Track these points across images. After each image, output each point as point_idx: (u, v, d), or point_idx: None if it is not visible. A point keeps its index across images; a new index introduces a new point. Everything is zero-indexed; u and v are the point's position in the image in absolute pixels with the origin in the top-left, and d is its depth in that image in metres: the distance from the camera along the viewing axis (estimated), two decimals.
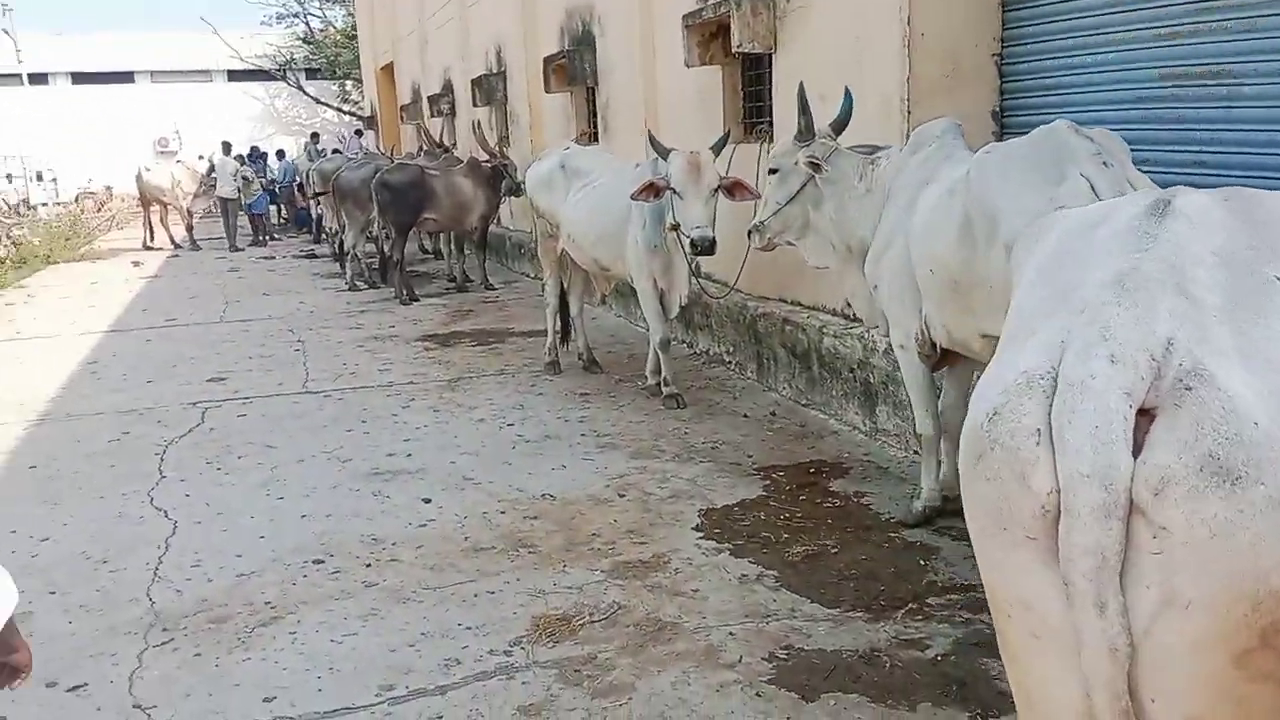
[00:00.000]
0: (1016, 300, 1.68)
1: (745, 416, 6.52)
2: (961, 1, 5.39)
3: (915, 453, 5.32)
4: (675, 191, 6.04)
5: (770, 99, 7.12)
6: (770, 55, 6.91)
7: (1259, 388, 1.26)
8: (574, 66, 10.41)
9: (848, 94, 4.88)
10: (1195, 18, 4.32)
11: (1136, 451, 1.28)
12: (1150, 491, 1.26)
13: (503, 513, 4.97)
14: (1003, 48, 5.48)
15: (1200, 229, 1.47)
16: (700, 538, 4.58)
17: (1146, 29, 4.56)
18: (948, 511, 4.57)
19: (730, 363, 7.72)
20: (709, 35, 7.50)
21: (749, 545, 4.47)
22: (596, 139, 10.52)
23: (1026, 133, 4.06)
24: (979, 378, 3.82)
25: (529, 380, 7.67)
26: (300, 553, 4.56)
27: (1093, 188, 3.20)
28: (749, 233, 5.18)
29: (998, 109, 5.57)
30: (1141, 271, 1.40)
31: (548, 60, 11.09)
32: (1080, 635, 1.32)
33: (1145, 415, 1.29)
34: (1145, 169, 3.58)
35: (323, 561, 4.47)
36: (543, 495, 5.20)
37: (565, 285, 7.85)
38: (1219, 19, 4.22)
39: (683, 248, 6.25)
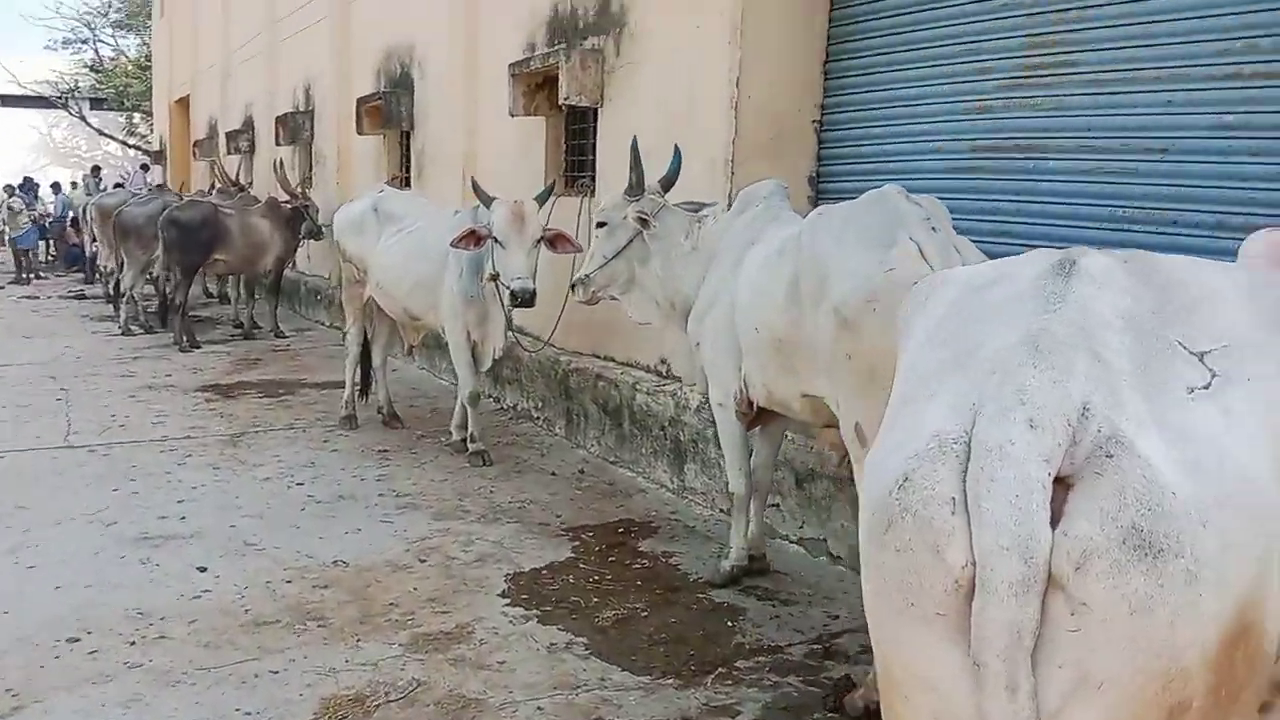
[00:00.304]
0: (908, 360, 1.58)
1: (553, 474, 6.30)
2: (787, 68, 5.46)
3: (723, 511, 5.28)
4: (497, 241, 5.84)
5: (594, 153, 7.03)
6: (596, 109, 6.83)
7: (1175, 457, 1.21)
8: (389, 109, 10.07)
9: (677, 152, 4.83)
10: (1006, 94, 4.49)
11: (1054, 522, 1.18)
12: (1071, 565, 1.18)
13: (289, 582, 4.51)
14: (823, 115, 5.58)
15: (1106, 291, 1.41)
16: (507, 604, 4.31)
17: (960, 102, 4.71)
18: (754, 571, 4.58)
19: (539, 419, 7.49)
20: (535, 85, 7.39)
21: (558, 611, 4.25)
22: (408, 184, 10.18)
23: (842, 198, 4.13)
24: (814, 437, 3.73)
25: (322, 436, 7.18)
26: (52, 629, 3.96)
27: (921, 252, 3.20)
28: (573, 286, 5.02)
29: (815, 174, 5.65)
30: (1053, 333, 1.32)
31: (361, 101, 10.71)
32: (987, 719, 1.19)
33: (1060, 483, 1.21)
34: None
35: (79, 640, 3.89)
36: (334, 562, 4.76)
37: (369, 335, 7.45)
38: (1027, 96, 4.40)
39: (501, 299, 6.01)
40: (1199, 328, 1.37)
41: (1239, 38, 3.66)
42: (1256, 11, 3.60)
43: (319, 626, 4.05)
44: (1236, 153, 3.69)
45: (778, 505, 5.01)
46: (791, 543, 5.02)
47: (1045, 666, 1.20)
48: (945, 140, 4.81)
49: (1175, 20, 3.85)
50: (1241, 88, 3.67)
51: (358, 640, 3.93)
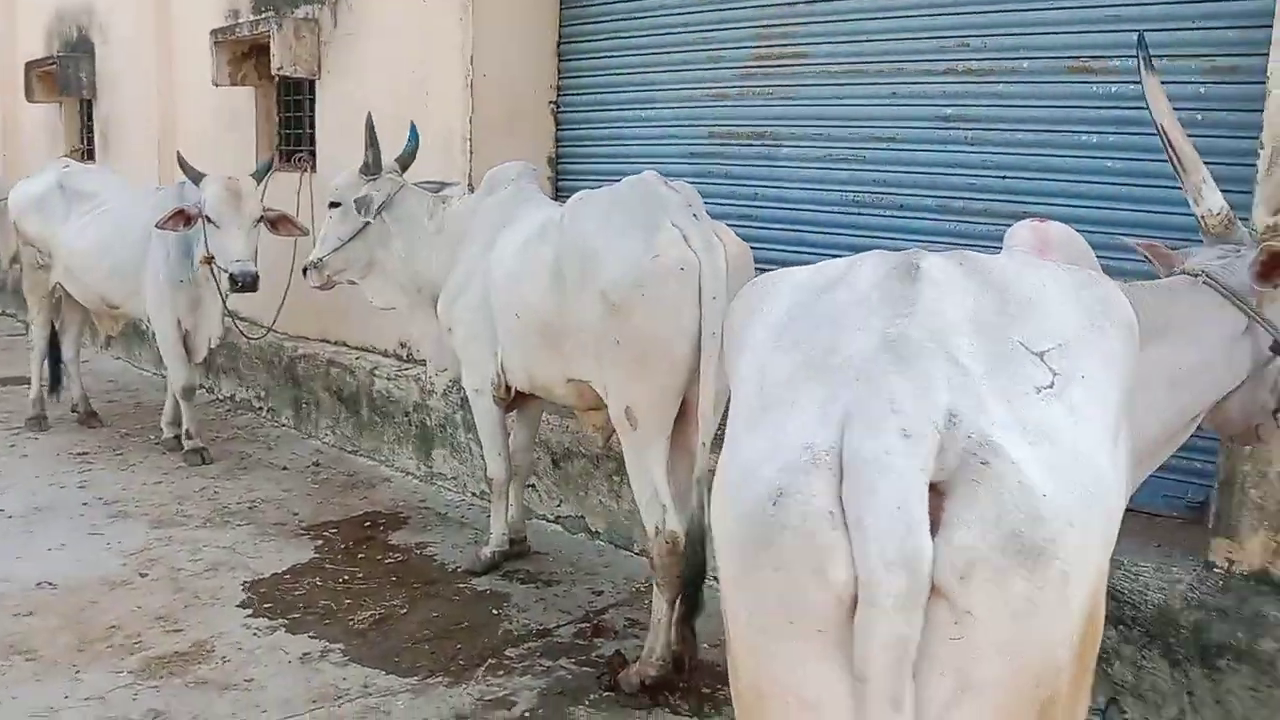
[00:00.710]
0: (753, 362, 1.52)
1: (285, 469, 5.91)
2: (520, 45, 5.36)
3: (475, 495, 5.20)
4: (210, 220, 5.34)
5: (311, 126, 6.61)
6: (313, 81, 6.42)
7: (1039, 458, 1.22)
8: (66, 75, 9.00)
9: (414, 130, 4.60)
10: (741, 82, 4.64)
11: (931, 531, 1.17)
12: (956, 575, 1.17)
13: None
14: (560, 95, 5.53)
15: (951, 294, 1.42)
16: (249, 616, 3.99)
17: (697, 89, 4.81)
18: (515, 555, 4.51)
19: (262, 409, 7.00)
20: (242, 54, 6.84)
21: (307, 617, 3.99)
22: (92, 156, 9.17)
23: (582, 181, 4.11)
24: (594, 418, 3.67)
25: (7, 440, 6.35)
26: None
27: (685, 237, 3.23)
28: (304, 270, 4.68)
29: (554, 155, 5.60)
30: (911, 338, 1.31)
31: (31, 65, 9.50)
32: None
33: (933, 492, 1.19)
34: None
35: None
36: (39, 584, 4.22)
37: (57, 325, 6.65)
38: (761, 85, 4.56)
39: (218, 283, 5.51)
40: (1036, 328, 1.41)
41: (953, 36, 3.97)
42: (968, 13, 3.91)
43: (28, 660, 3.57)
44: (955, 142, 4.00)
45: (534, 485, 4.96)
46: (550, 522, 4.98)
47: (927, 676, 1.19)
48: (684, 125, 4.90)
49: (896, 18, 4.12)
50: (956, 82, 3.98)
51: (77, 672, 3.50)
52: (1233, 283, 2.50)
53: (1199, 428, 2.61)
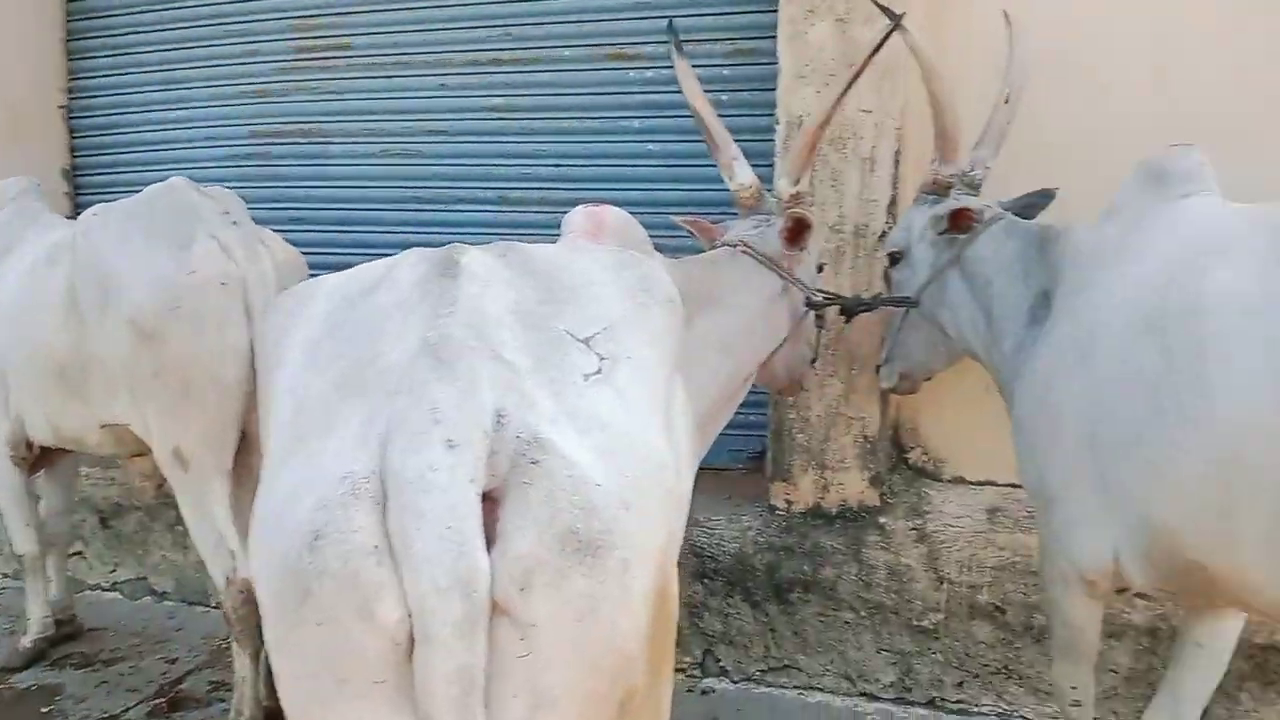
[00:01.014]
0: (284, 387, 1.35)
1: None
2: (13, 42, 4.63)
3: (5, 576, 4.41)
4: None
5: None
6: None
7: (590, 446, 1.18)
8: None
9: None
10: (283, 77, 4.33)
11: (488, 545, 1.08)
12: (516, 588, 1.09)
13: None
14: (71, 100, 4.86)
15: (492, 288, 1.35)
16: None
17: (235, 85, 4.43)
18: (64, 638, 3.86)
19: None
20: None
21: None
22: None
23: (107, 193, 3.61)
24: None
25: None
26: None
27: (223, 248, 2.93)
28: None
29: (70, 166, 4.92)
30: (452, 339, 1.22)
31: None
32: None
33: (489, 502, 1.11)
34: None
35: None
36: None
37: None
38: (305, 79, 4.29)
39: None
40: (581, 314, 1.38)
41: (496, 26, 3.96)
42: (508, 1, 3.92)
43: None
44: (507, 132, 4.00)
45: (81, 553, 4.31)
46: (106, 590, 4.35)
47: (498, 701, 1.11)
48: (223, 126, 4.50)
49: (438, 7, 4.04)
50: (503, 73, 3.98)
51: None
52: (767, 249, 2.70)
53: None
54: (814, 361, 2.97)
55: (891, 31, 2.62)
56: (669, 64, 3.65)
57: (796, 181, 2.76)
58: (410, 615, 1.06)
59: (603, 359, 1.33)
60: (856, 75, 2.65)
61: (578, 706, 1.14)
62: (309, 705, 1.16)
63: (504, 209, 4.03)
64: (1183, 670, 2.48)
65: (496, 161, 4.04)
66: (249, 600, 2.97)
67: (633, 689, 1.20)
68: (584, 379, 1.28)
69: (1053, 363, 2.31)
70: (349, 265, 1.60)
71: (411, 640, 1.07)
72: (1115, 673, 3.11)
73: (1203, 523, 1.91)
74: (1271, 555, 1.81)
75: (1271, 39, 3.03)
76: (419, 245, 1.58)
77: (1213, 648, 2.45)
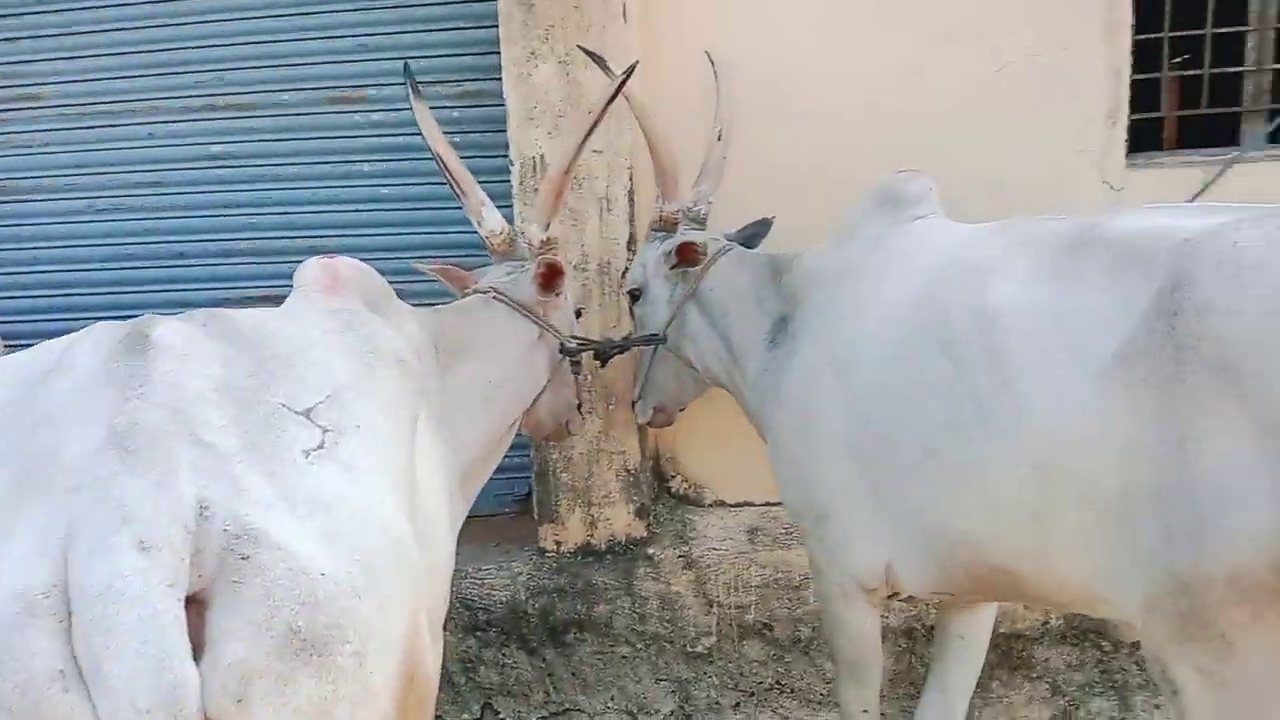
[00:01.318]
0: None
1: None
2: None
3: None
4: None
5: None
6: None
7: (312, 532, 1.08)
8: None
9: None
10: None
11: (196, 656, 0.98)
12: (232, 700, 0.99)
13: None
14: None
15: (194, 362, 1.23)
16: None
17: None
18: None
19: None
20: None
21: None
22: None
23: None
24: None
25: None
26: None
27: None
28: None
29: None
30: (143, 425, 1.09)
31: None
32: None
33: (193, 605, 1.00)
34: None
35: None
36: None
37: None
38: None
39: None
40: (299, 383, 1.28)
41: (208, 71, 3.73)
42: (219, 46, 3.70)
43: None
44: (229, 180, 3.77)
45: None
46: None
47: None
48: None
49: (140, 53, 3.76)
50: (220, 118, 3.75)
51: None
52: (520, 296, 2.66)
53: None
54: (580, 407, 2.97)
55: (625, 81, 2.65)
56: (398, 106, 3.60)
57: (547, 227, 2.76)
58: None
59: (326, 431, 1.24)
60: (595, 124, 2.66)
61: None
62: None
63: (232, 261, 3.80)
64: (947, 664, 2.62)
65: (219, 212, 3.80)
66: None
67: None
68: (304, 456, 1.19)
69: (807, 384, 2.38)
70: (56, 333, 1.43)
71: None
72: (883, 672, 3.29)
73: (1013, 528, 1.92)
74: (1082, 555, 1.84)
75: (966, 71, 3.30)
76: (139, 308, 1.42)
77: (973, 639, 2.61)
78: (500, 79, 3.35)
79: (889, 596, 2.37)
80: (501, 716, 3.39)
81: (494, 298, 2.65)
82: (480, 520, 3.57)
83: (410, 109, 2.80)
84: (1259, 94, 3.35)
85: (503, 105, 3.36)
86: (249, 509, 1.08)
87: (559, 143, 3.30)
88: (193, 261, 3.83)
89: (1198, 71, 3.30)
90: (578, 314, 2.94)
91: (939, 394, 2.01)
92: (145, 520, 1.01)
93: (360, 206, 3.78)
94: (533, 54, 3.27)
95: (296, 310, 1.49)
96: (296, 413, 1.24)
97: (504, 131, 3.36)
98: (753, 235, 3.01)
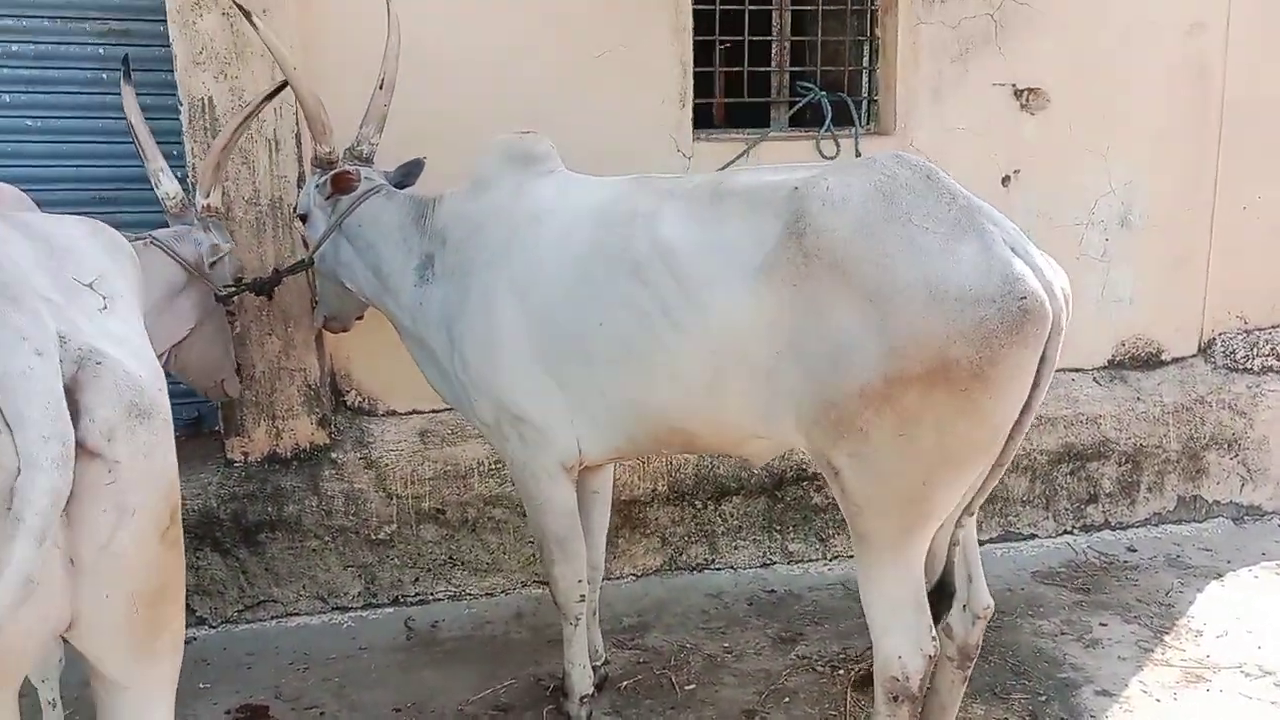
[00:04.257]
0: None
1: None
2: None
3: None
4: None
5: None
6: None
7: (123, 354, 1.69)
8: None
9: None
10: None
11: (75, 419, 1.56)
12: (105, 439, 1.59)
13: None
14: None
15: (14, 246, 1.75)
16: None
17: None
18: None
19: None
20: None
21: None
22: None
23: None
24: None
25: None
26: None
27: None
28: None
29: None
30: (10, 284, 1.62)
31: None
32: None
33: (68, 394, 1.58)
34: None
35: None
36: None
37: None
38: None
39: None
40: (80, 265, 1.83)
41: None
42: None
43: None
44: None
45: None
46: None
47: (91, 517, 1.61)
48: None
49: None
50: None
51: None
52: (181, 250, 3.09)
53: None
54: (240, 371, 3.45)
55: (276, 92, 3.20)
56: (40, 40, 3.66)
57: (207, 194, 3.19)
58: (19, 463, 1.51)
59: (105, 297, 1.82)
60: (250, 115, 3.18)
61: (147, 515, 1.68)
62: None
63: None
64: (590, 513, 3.26)
65: None
66: None
67: (176, 502, 1.77)
68: (99, 311, 1.78)
69: (486, 310, 2.85)
70: None
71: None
72: (533, 543, 3.98)
73: (693, 398, 2.59)
74: (744, 408, 2.55)
75: (573, 53, 3.94)
76: None
77: (604, 491, 3.33)
78: (160, 21, 3.53)
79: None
80: (199, 614, 3.70)
81: (151, 243, 3.04)
82: None
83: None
84: (781, 89, 4.40)
85: (163, 45, 3.54)
86: (87, 338, 1.65)
87: (225, 86, 3.57)
88: None
89: (739, 69, 4.26)
90: (238, 282, 3.30)
91: (631, 306, 2.62)
92: (35, 338, 1.56)
93: (4, 137, 3.76)
94: (197, 3, 3.48)
95: (57, 219, 2.03)
96: (84, 284, 1.80)
97: (170, 71, 3.54)
98: (406, 174, 3.33)
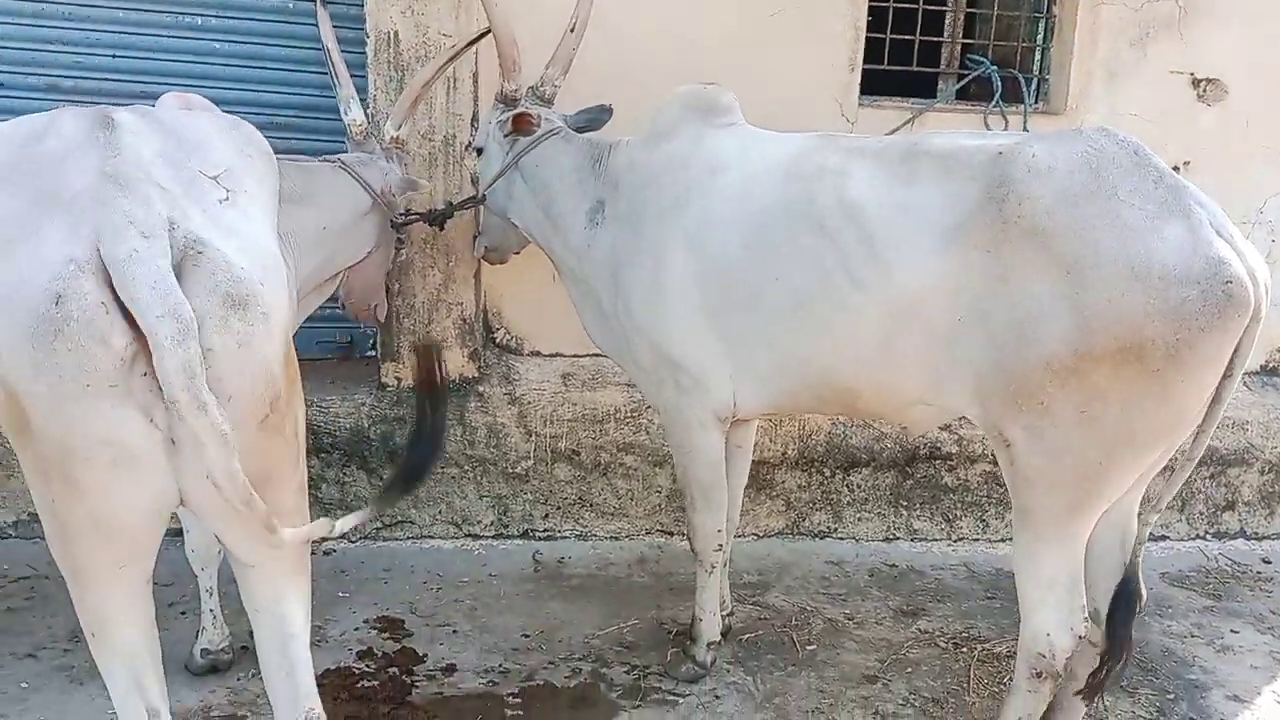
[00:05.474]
0: None
1: None
2: None
3: None
4: None
5: None
6: None
7: (232, 247, 1.78)
8: None
9: None
10: None
11: None
12: (198, 323, 1.68)
13: None
14: None
15: (142, 137, 1.85)
16: None
17: None
18: None
19: None
20: None
21: None
22: None
23: None
24: None
25: None
26: None
27: None
28: None
29: None
30: (125, 173, 1.74)
31: None
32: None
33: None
34: None
35: None
36: None
37: None
38: None
39: None
40: (207, 159, 1.92)
41: None
42: None
43: None
44: (55, 17, 3.77)
45: None
46: None
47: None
48: None
49: None
50: None
51: None
52: (366, 175, 3.11)
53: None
54: (390, 296, 3.57)
55: (480, 37, 3.19)
56: None
57: (399, 127, 3.26)
58: (134, 342, 1.64)
59: (229, 190, 1.90)
60: (455, 55, 3.24)
61: (244, 402, 1.77)
62: (60, 405, 1.67)
63: (54, 97, 3.80)
64: (731, 466, 3.23)
65: (44, 48, 3.80)
66: None
67: (277, 393, 1.84)
68: (218, 203, 1.87)
69: (657, 258, 2.86)
70: None
71: (134, 359, 1.66)
72: (660, 492, 4.07)
73: (865, 358, 2.58)
74: (915, 372, 2.54)
75: (747, 10, 3.94)
76: None
77: (745, 447, 3.35)
78: None
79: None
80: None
81: (340, 167, 3.10)
82: (309, 364, 3.95)
83: None
84: (952, 60, 4.33)
85: None
86: (195, 227, 1.75)
87: (411, 22, 3.66)
88: (14, 94, 3.81)
89: (910, 37, 4.17)
90: (406, 213, 3.34)
91: (812, 261, 2.61)
92: (143, 222, 1.67)
93: (187, 58, 3.91)
94: None
95: (192, 114, 2.10)
96: (209, 177, 1.89)
97: (360, 6, 3.65)
98: (592, 120, 3.37)
